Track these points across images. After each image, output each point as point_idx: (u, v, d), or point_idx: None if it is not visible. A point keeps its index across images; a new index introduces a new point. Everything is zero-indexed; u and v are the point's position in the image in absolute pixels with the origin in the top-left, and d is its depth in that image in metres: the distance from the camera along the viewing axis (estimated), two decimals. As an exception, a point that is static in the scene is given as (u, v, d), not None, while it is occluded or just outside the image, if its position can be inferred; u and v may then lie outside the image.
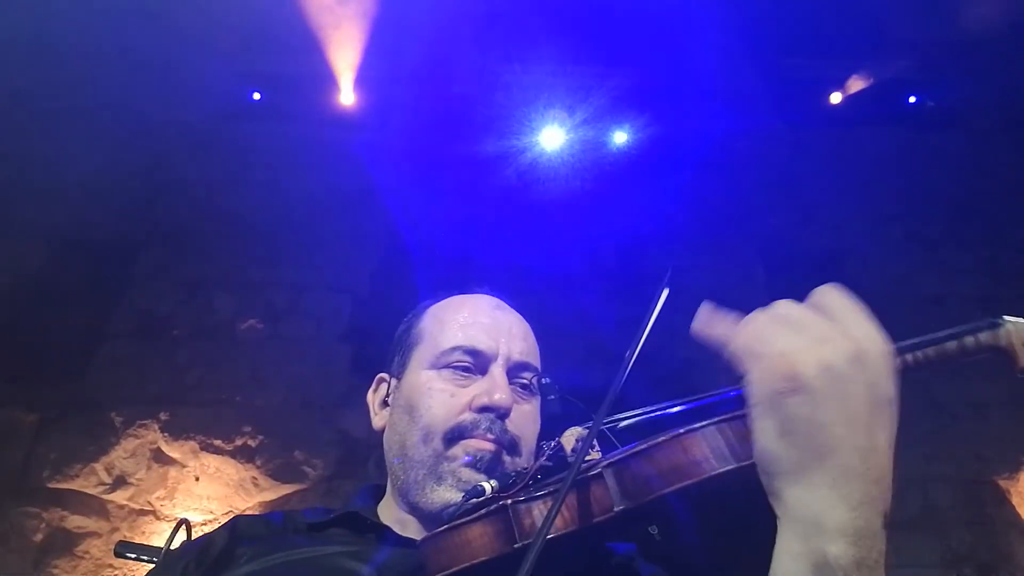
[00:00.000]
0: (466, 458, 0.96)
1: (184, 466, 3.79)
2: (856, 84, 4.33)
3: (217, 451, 3.83)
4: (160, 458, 3.81)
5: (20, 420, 3.86)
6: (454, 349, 1.04)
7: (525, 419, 1.02)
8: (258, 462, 3.83)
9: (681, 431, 0.67)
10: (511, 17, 3.93)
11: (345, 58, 4.22)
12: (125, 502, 3.70)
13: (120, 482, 3.75)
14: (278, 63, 4.37)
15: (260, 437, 3.88)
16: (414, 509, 0.99)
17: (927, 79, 4.42)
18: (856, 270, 4.21)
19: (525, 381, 1.05)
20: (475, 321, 1.07)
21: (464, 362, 1.03)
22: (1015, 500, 3.77)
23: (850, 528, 0.56)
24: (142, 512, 3.69)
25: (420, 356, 1.07)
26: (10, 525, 3.61)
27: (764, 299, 0.64)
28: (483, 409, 0.98)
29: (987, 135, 4.51)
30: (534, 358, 1.08)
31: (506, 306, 1.13)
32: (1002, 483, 3.82)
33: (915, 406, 3.87)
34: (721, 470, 0.65)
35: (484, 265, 3.83)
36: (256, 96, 4.43)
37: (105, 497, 3.71)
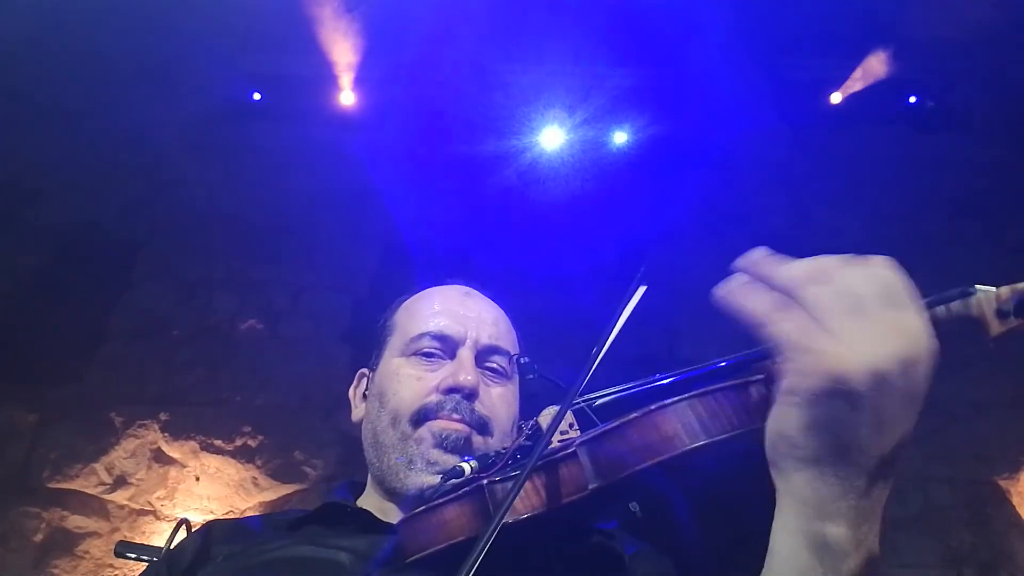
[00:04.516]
0: (433, 439, 0.96)
1: (184, 466, 3.79)
2: (856, 84, 4.33)
3: (217, 451, 3.83)
4: (160, 458, 3.80)
5: (20, 420, 3.86)
6: (422, 335, 1.06)
7: (496, 401, 1.02)
8: (258, 462, 3.83)
9: (652, 407, 0.67)
10: (511, 17, 3.93)
11: (345, 58, 4.22)
12: (125, 502, 3.70)
13: (120, 482, 3.75)
14: (278, 63, 4.37)
15: (260, 437, 3.88)
16: (392, 495, 1.00)
17: (927, 79, 4.41)
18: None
19: (495, 365, 1.06)
20: (444, 309, 1.09)
21: (432, 347, 1.05)
22: (1015, 500, 3.76)
23: (852, 513, 0.56)
24: (142, 512, 3.69)
25: (392, 346, 1.09)
26: (10, 525, 3.61)
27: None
28: (449, 390, 0.99)
29: (987, 135, 4.51)
30: (506, 342, 1.09)
31: (477, 293, 1.15)
32: (1002, 483, 3.81)
33: (915, 406, 3.87)
34: (692, 446, 0.65)
35: (484, 265, 3.83)
36: (256, 96, 4.43)
37: (105, 497, 3.71)
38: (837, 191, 4.49)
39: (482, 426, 0.98)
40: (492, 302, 1.15)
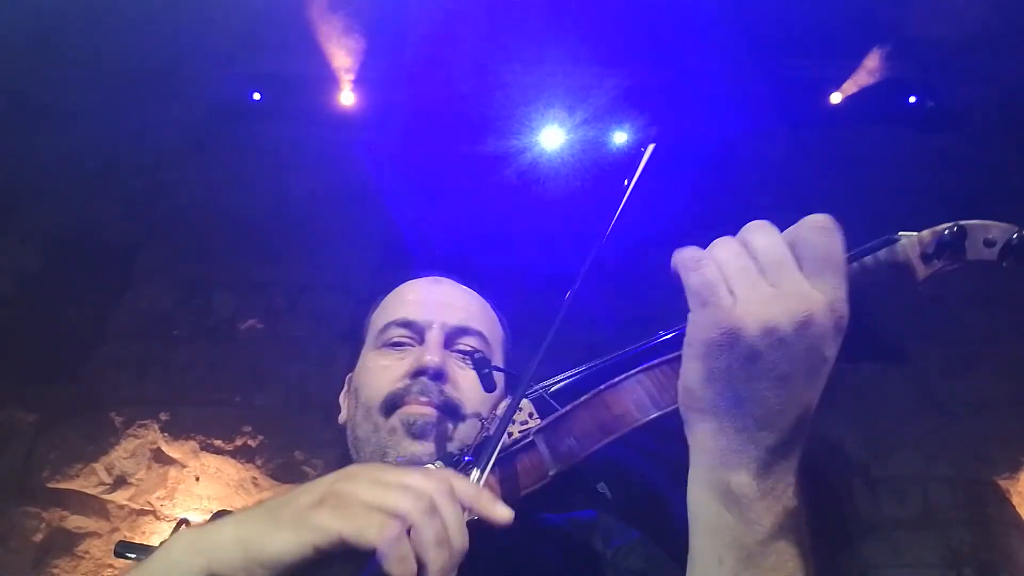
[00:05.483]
0: (403, 428, 0.94)
1: (184, 466, 3.79)
2: (856, 84, 4.33)
3: (217, 451, 3.83)
4: (160, 458, 3.80)
5: (20, 420, 3.86)
6: (388, 326, 1.06)
7: (470, 384, 0.99)
8: (258, 462, 3.83)
9: (602, 387, 0.70)
10: (511, 17, 3.93)
11: (345, 58, 4.22)
12: (125, 502, 3.70)
13: (120, 482, 3.75)
14: (278, 63, 4.37)
15: (260, 437, 3.88)
16: None
17: (927, 79, 4.41)
18: (856, 270, 4.20)
19: (467, 347, 1.04)
20: (411, 298, 1.09)
21: (400, 336, 1.04)
22: (1015, 500, 3.76)
23: (755, 464, 0.59)
24: (142, 512, 3.69)
25: (367, 344, 1.10)
26: (10, 525, 3.61)
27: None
28: (415, 374, 0.98)
29: (987, 135, 4.50)
30: (479, 324, 1.07)
31: (449, 281, 1.14)
32: (1002, 483, 3.81)
33: (915, 406, 3.87)
34: (644, 420, 0.67)
35: (484, 265, 3.83)
36: (256, 96, 4.43)
37: (105, 497, 3.71)
38: (837, 191, 4.48)
39: (453, 410, 0.96)
40: (467, 288, 1.14)
